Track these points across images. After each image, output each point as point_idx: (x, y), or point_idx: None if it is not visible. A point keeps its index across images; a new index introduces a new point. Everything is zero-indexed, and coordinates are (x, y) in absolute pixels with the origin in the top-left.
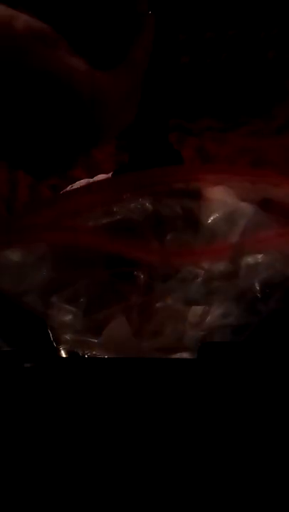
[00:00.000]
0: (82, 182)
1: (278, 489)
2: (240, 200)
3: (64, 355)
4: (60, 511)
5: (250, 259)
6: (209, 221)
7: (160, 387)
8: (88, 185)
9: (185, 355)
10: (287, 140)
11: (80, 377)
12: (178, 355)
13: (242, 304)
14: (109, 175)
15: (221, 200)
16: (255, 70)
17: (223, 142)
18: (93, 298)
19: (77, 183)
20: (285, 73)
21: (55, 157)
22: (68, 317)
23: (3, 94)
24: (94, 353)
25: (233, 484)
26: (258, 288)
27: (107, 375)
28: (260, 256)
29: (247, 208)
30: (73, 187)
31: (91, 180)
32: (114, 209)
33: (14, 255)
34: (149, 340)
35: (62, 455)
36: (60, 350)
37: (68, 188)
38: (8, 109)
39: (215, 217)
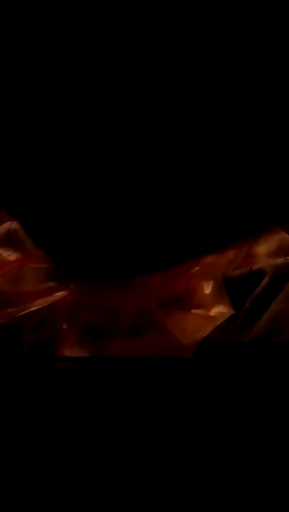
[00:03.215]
0: None
1: (276, 489)
2: None
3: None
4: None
5: None
6: None
7: (160, 386)
8: None
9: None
10: None
11: (80, 376)
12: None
13: None
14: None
15: None
16: None
17: None
18: None
19: None
20: None
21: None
22: None
23: None
24: None
25: (232, 484)
26: None
27: (107, 375)
28: None
29: None
30: None
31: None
32: None
33: None
34: None
35: (62, 455)
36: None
37: None
38: None
39: None
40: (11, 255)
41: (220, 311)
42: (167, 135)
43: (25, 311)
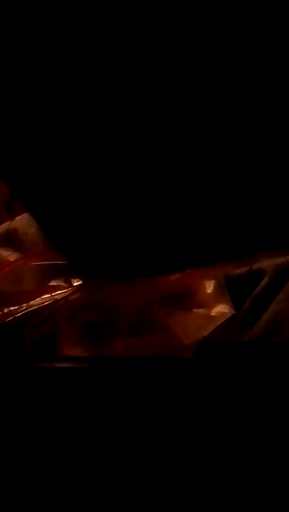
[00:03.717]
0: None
1: (276, 489)
2: None
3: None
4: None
5: None
6: None
7: (160, 386)
8: None
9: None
10: None
11: (81, 376)
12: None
13: None
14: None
15: None
16: None
17: None
18: None
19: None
20: None
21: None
22: None
23: None
24: None
25: (232, 483)
26: None
27: (107, 374)
28: None
29: None
30: None
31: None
32: None
33: None
34: None
35: (62, 453)
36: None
37: None
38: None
39: None
40: (10, 255)
41: (221, 310)
42: (177, 141)
43: (28, 310)
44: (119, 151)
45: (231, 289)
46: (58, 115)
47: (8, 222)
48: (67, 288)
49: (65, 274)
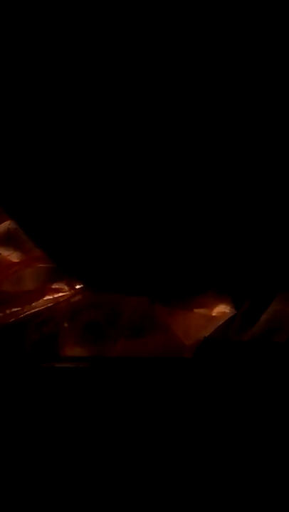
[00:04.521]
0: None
1: (276, 489)
2: None
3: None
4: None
5: None
6: None
7: (160, 385)
8: None
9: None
10: None
11: (81, 376)
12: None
13: None
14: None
15: None
16: None
17: None
18: None
19: None
20: None
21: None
22: None
23: None
24: None
25: (232, 482)
26: None
27: (109, 374)
28: None
29: None
30: None
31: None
32: None
33: None
34: None
35: (63, 453)
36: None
37: None
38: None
39: None
40: (11, 255)
41: (222, 310)
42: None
43: (31, 311)
44: (122, 164)
45: (231, 289)
46: (55, 123)
47: (8, 222)
48: (69, 290)
49: (67, 276)
